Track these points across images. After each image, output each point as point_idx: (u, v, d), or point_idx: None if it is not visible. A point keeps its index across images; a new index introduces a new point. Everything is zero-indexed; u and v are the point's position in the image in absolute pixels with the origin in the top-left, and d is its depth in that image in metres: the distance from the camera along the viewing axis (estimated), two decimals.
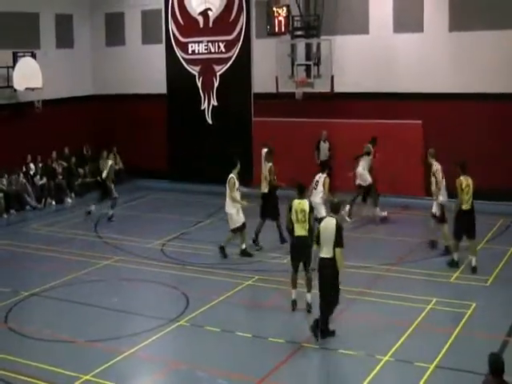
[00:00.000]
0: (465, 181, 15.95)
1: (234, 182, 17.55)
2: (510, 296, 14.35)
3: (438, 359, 11.53)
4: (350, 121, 24.18)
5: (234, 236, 17.84)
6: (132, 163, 27.39)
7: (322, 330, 12.40)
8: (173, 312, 14.01)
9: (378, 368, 11.30)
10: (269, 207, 18.66)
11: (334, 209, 12.76)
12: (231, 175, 17.63)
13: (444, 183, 17.38)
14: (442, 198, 17.32)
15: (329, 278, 12.37)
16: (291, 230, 13.98)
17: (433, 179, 17.45)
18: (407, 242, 18.78)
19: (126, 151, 27.79)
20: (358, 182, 21.06)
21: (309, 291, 13.83)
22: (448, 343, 12.16)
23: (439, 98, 23.21)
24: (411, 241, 18.84)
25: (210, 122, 27.52)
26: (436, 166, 17.44)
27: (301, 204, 13.91)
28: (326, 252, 12.34)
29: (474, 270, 16.03)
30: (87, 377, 11.25)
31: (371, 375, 11.06)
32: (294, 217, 13.82)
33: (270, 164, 19.04)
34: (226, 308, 14.40)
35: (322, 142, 23.82)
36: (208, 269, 16.90)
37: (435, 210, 17.47)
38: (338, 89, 23.28)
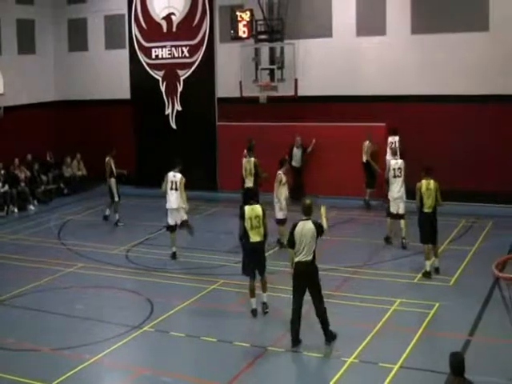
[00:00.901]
0: (425, 184, 15.93)
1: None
2: (473, 296, 14.44)
3: (402, 359, 11.58)
4: (314, 124, 24.26)
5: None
6: (97, 169, 27.17)
7: (326, 333, 12.40)
8: (137, 318, 13.91)
9: (342, 370, 11.32)
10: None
11: (305, 211, 12.40)
12: (181, 175, 17.93)
13: (395, 180, 18.44)
14: (391, 192, 18.43)
15: (315, 281, 12.38)
16: (245, 237, 13.85)
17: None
18: (373, 244, 18.86)
19: (90, 157, 27.61)
20: None
21: (264, 292, 14.00)
22: (412, 343, 12.23)
23: (403, 101, 23.40)
24: (377, 242, 18.92)
25: (174, 126, 27.46)
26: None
27: (254, 210, 13.79)
28: (305, 255, 12.26)
29: (436, 270, 16.14)
30: None
31: (336, 377, 11.07)
32: (247, 224, 13.67)
33: (253, 159, 20.23)
34: (191, 313, 14.38)
35: (295, 148, 23.78)
36: (173, 274, 16.83)
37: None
38: (301, 92, 23.40)
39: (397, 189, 18.40)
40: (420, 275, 16.07)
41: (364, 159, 22.95)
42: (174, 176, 18.03)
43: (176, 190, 17.97)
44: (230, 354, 12.37)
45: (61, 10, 29.50)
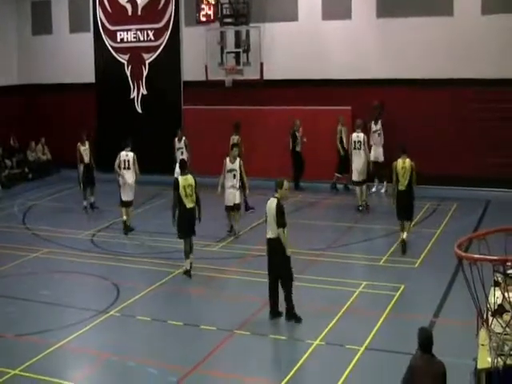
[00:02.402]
0: (401, 163, 16.34)
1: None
2: (438, 278, 14.59)
3: (367, 341, 11.69)
4: (280, 107, 24.26)
5: None
6: (60, 154, 26.96)
7: (288, 311, 12.64)
8: (103, 303, 13.85)
9: (308, 352, 11.39)
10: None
11: (277, 185, 12.74)
12: (133, 154, 19.09)
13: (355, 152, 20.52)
14: (353, 163, 20.60)
15: (277, 257, 12.57)
16: (180, 205, 15.03)
17: None
18: (337, 227, 18.97)
19: (54, 141, 27.37)
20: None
21: (191, 253, 15.34)
22: (377, 325, 12.34)
23: (368, 84, 23.45)
24: (341, 225, 19.03)
25: (139, 110, 27.28)
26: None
27: (186, 180, 15.12)
28: (270, 233, 12.57)
29: (402, 242, 16.49)
30: (16, 371, 11.03)
31: (302, 359, 11.14)
32: (182, 192, 14.99)
33: (238, 136, 21.28)
34: (157, 297, 14.34)
35: (296, 133, 23.21)
36: (139, 258, 16.79)
37: None
38: (267, 76, 23.37)
39: (357, 160, 20.38)
40: (394, 246, 16.69)
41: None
42: (127, 155, 18.99)
43: (129, 168, 18.94)
44: (196, 337, 12.36)
45: None
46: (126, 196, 18.99)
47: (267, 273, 12.81)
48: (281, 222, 12.45)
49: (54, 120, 28.43)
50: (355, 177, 20.53)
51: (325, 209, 21.35)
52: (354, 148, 20.63)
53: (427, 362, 7.77)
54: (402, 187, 16.40)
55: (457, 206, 20.69)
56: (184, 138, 21.90)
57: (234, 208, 18.22)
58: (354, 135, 20.69)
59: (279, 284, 12.71)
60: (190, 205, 15.12)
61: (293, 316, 12.64)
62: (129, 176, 18.91)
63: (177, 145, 21.91)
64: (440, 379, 7.68)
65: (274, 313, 12.80)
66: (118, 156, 19.00)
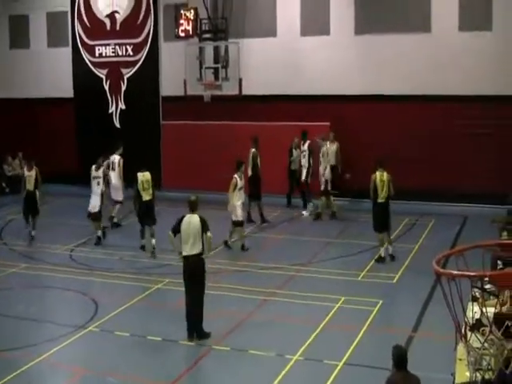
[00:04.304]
0: (379, 176, 16.67)
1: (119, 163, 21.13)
2: (416, 293, 14.65)
3: (346, 356, 11.71)
4: (259, 123, 24.29)
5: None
6: (39, 168, 26.75)
7: (198, 330, 12.62)
8: (82, 318, 13.76)
9: (287, 367, 11.38)
10: (254, 189, 20.32)
11: (192, 207, 12.73)
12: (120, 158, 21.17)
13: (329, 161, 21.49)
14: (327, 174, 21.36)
15: (201, 274, 12.62)
16: (138, 197, 17.93)
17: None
18: (317, 242, 19.02)
19: (32, 156, 27.18)
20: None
21: (153, 238, 17.77)
22: (356, 340, 12.37)
23: (346, 100, 23.61)
24: (320, 240, 19.09)
25: (117, 125, 27.26)
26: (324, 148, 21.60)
27: (144, 176, 18.07)
28: (191, 249, 12.49)
29: (392, 257, 16.87)
30: None
31: (281, 375, 11.13)
32: (140, 186, 17.89)
33: (254, 149, 20.98)
34: (136, 312, 14.27)
35: (293, 150, 22.96)
36: (118, 273, 16.70)
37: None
38: (246, 91, 23.42)
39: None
40: (372, 262, 16.87)
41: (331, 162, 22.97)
42: (114, 158, 20.98)
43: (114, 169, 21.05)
44: (175, 353, 12.35)
45: (1, 6, 29.04)
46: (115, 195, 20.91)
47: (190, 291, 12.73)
48: (208, 228, 12.55)
49: (31, 134, 28.30)
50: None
51: (304, 224, 21.38)
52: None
53: (404, 378, 7.81)
54: (381, 200, 16.74)
55: (435, 221, 20.83)
56: (103, 168, 20.09)
57: (243, 223, 18.49)
58: (324, 149, 21.72)
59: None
60: (146, 197, 17.97)
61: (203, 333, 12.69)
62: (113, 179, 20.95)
63: (93, 173, 19.63)
64: None
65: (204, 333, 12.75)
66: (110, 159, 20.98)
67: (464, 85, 22.35)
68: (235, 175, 18.28)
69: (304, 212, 22.23)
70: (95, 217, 19.28)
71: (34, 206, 19.54)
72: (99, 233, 19.37)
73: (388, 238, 17.07)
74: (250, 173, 20.85)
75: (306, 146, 22.35)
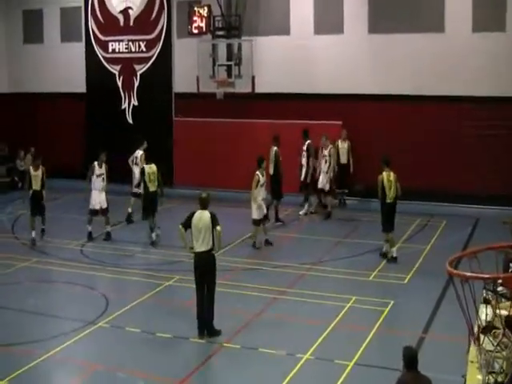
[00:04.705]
0: (386, 176, 16.67)
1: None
2: (427, 293, 14.62)
3: (357, 356, 11.69)
4: (271, 121, 24.27)
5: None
6: (50, 163, 26.82)
7: (209, 327, 12.64)
8: (92, 314, 13.79)
9: (298, 366, 11.38)
10: (276, 187, 20.17)
11: (203, 203, 12.72)
12: (143, 153, 20.95)
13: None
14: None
15: (212, 270, 12.63)
16: (145, 188, 18.74)
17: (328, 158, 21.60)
18: (327, 241, 19.00)
19: (43, 150, 27.23)
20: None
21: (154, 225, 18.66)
22: (367, 340, 12.34)
23: (359, 99, 23.55)
24: (331, 240, 19.07)
25: (130, 121, 27.30)
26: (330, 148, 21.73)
27: (151, 168, 18.78)
28: (202, 245, 12.49)
29: (394, 259, 16.83)
30: (3, 382, 10.96)
31: (291, 374, 11.12)
32: (147, 178, 18.65)
33: (276, 148, 20.59)
34: (147, 309, 14.30)
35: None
36: (128, 269, 16.74)
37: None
38: (258, 89, 23.40)
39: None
40: (384, 262, 16.88)
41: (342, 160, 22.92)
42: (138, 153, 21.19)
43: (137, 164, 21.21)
44: (185, 350, 12.36)
45: (16, 1, 29.09)
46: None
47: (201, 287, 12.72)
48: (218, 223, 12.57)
49: (43, 129, 28.39)
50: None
51: (314, 223, 21.36)
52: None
53: (414, 379, 7.81)
54: (389, 200, 16.78)
55: (446, 222, 20.74)
56: (104, 165, 19.68)
57: (265, 220, 18.54)
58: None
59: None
60: (152, 188, 18.77)
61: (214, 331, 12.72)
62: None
63: (97, 171, 19.49)
64: None
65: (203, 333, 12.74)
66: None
67: (477, 86, 22.26)
68: (257, 172, 18.28)
69: (300, 212, 22.12)
70: (106, 212, 19.31)
71: (40, 205, 19.42)
72: (109, 228, 19.41)
73: (392, 239, 17.11)
74: (271, 172, 20.54)
75: (306, 146, 22.20)
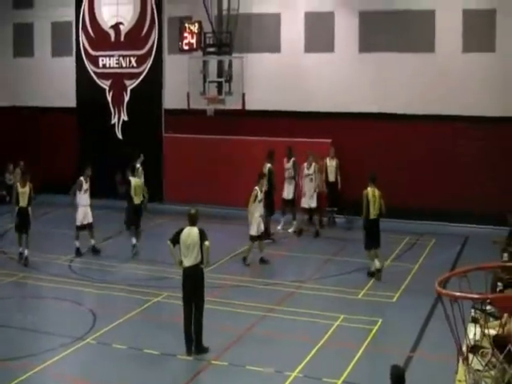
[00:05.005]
0: (371, 192, 16.77)
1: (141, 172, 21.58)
2: (415, 312, 14.63)
3: (345, 374, 11.67)
4: (261, 138, 24.28)
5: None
6: (40, 177, 26.78)
7: (197, 344, 12.59)
8: (80, 330, 13.71)
9: None
10: (269, 203, 20.07)
11: (191, 220, 12.72)
12: (138, 165, 21.40)
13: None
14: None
15: (200, 286, 12.61)
16: (131, 200, 19.19)
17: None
18: (317, 259, 18.99)
19: (33, 165, 27.19)
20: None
21: (138, 239, 19.31)
22: (355, 359, 12.33)
23: (349, 117, 23.62)
24: (320, 258, 19.07)
25: (119, 137, 27.28)
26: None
27: (136, 182, 19.43)
28: (190, 260, 12.48)
29: (378, 271, 16.92)
30: None
31: None
32: (133, 191, 19.19)
33: (269, 165, 20.81)
34: (134, 325, 14.23)
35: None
36: (116, 285, 16.66)
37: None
38: (249, 106, 23.39)
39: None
40: (372, 280, 16.84)
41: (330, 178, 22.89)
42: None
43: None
44: (173, 367, 12.31)
45: (6, 14, 29.06)
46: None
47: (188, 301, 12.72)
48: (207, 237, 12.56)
49: (33, 143, 28.29)
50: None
51: (303, 241, 21.34)
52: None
53: None
54: (373, 216, 16.88)
55: (435, 240, 20.79)
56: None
57: (262, 237, 18.52)
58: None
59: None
60: (137, 201, 19.36)
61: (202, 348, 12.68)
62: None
63: (84, 186, 19.39)
64: None
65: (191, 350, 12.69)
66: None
67: (467, 105, 22.37)
68: (256, 187, 18.29)
69: (290, 229, 22.08)
70: (91, 227, 19.33)
71: (27, 222, 18.82)
72: (93, 241, 19.45)
73: (378, 253, 17.14)
74: (265, 188, 20.46)
75: (290, 163, 22.22)
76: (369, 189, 16.87)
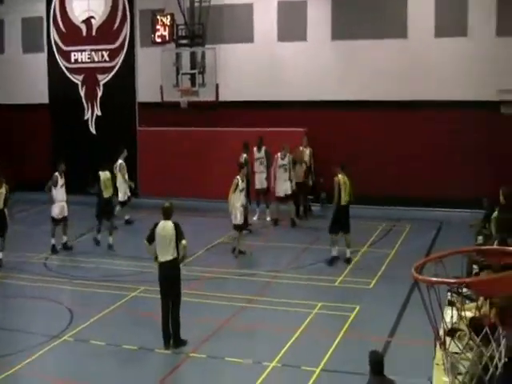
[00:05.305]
0: (342, 179, 16.96)
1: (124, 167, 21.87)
2: (392, 298, 14.65)
3: (323, 362, 11.66)
4: (236, 129, 24.21)
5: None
6: (13, 175, 26.52)
7: (175, 337, 12.55)
8: (56, 328, 13.57)
9: (265, 374, 11.32)
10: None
11: (166, 214, 12.61)
12: (120, 161, 21.74)
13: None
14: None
15: (177, 280, 12.57)
16: (101, 194, 19.35)
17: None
18: (293, 248, 18.97)
19: (6, 163, 26.94)
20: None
21: (111, 235, 19.29)
22: (333, 346, 12.33)
23: (323, 106, 23.60)
24: (297, 246, 19.04)
25: (93, 131, 27.10)
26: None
27: (106, 175, 19.59)
28: (166, 255, 12.40)
29: (348, 261, 17.21)
30: None
31: (258, 382, 11.06)
32: (102, 184, 19.34)
33: (245, 155, 21.14)
34: (112, 321, 14.12)
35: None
36: (93, 281, 16.52)
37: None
38: (222, 97, 23.33)
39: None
40: (349, 267, 16.96)
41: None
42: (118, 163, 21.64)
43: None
44: (151, 361, 12.22)
45: None
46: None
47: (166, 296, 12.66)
48: (183, 236, 12.45)
49: (5, 141, 28.01)
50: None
51: (279, 230, 21.31)
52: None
53: (380, 381, 7.81)
54: (344, 203, 17.07)
55: (411, 226, 20.86)
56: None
57: (244, 227, 18.54)
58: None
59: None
60: (107, 194, 19.51)
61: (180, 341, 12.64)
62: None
63: (59, 181, 19.39)
64: None
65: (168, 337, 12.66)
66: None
67: (439, 90, 22.46)
68: (237, 176, 18.17)
69: (268, 218, 22.07)
70: (66, 221, 19.30)
71: (3, 224, 18.42)
72: (66, 238, 19.41)
73: (348, 240, 17.35)
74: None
75: (262, 152, 22.17)
76: (339, 176, 17.00)
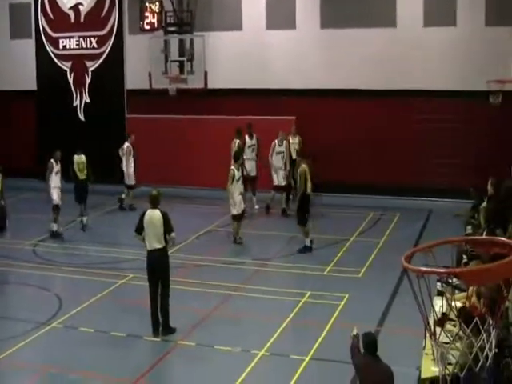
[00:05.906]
0: (307, 168, 17.12)
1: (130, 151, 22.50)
2: (382, 287, 14.70)
3: (312, 351, 11.70)
4: (224, 117, 24.16)
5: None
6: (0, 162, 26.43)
7: (164, 325, 12.56)
8: (45, 315, 13.56)
9: (253, 363, 11.35)
10: None
11: (153, 202, 12.60)
12: (128, 146, 22.34)
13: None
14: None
15: (165, 268, 12.60)
16: (75, 177, 20.04)
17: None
18: (282, 237, 18.98)
19: None
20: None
21: (85, 216, 19.97)
22: (322, 335, 12.36)
23: (312, 94, 23.56)
24: (286, 235, 19.05)
25: (82, 118, 26.98)
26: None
27: (80, 158, 20.19)
28: (154, 243, 12.40)
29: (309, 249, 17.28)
30: None
31: (247, 370, 11.09)
32: (76, 167, 20.08)
33: (238, 140, 21.26)
34: (100, 308, 14.11)
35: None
36: (81, 269, 16.49)
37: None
38: (211, 85, 23.27)
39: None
40: (338, 256, 17.00)
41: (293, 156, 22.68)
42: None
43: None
44: (140, 348, 12.25)
45: None
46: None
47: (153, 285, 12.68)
48: (172, 227, 12.50)
49: None
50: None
51: (269, 218, 21.31)
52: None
53: (370, 363, 7.96)
54: (309, 191, 17.30)
55: (400, 215, 20.89)
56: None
57: (243, 215, 18.43)
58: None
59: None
60: (82, 177, 20.13)
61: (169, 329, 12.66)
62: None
63: (55, 168, 19.63)
64: (387, 377, 7.76)
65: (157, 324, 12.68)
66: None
67: (428, 80, 22.45)
68: (232, 167, 18.07)
69: (256, 206, 21.98)
70: (59, 209, 19.22)
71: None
72: (55, 226, 19.34)
73: (306, 230, 17.52)
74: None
75: (254, 140, 22.11)
76: (304, 165, 17.13)
